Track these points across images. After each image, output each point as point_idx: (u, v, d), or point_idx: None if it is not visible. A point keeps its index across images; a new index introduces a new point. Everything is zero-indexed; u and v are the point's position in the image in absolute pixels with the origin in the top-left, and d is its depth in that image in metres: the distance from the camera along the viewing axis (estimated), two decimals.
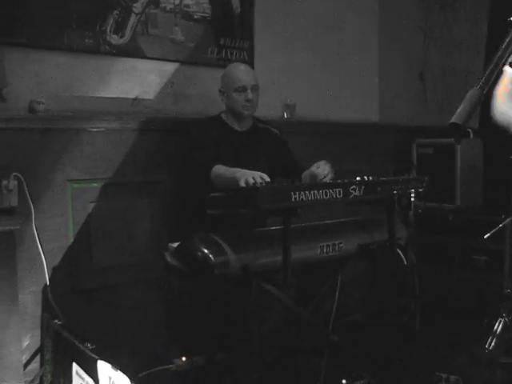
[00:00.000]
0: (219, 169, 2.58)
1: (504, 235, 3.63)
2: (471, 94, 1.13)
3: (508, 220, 3.58)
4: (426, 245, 4.15)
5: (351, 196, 2.26)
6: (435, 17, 4.89)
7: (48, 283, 2.64)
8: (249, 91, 2.83)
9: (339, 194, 2.21)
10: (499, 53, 1.15)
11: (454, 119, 1.09)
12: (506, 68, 1.87)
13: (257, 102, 2.89)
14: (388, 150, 4.39)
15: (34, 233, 2.59)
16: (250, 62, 3.56)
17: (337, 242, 2.45)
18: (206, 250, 2.15)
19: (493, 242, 3.57)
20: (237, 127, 2.93)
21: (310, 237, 2.41)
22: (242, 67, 2.93)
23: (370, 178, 2.36)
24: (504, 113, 1.88)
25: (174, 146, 3.06)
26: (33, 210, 2.59)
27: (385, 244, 2.60)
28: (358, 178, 2.33)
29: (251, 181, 2.22)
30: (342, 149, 4.01)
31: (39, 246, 2.61)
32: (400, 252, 2.68)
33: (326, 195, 2.16)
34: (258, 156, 2.87)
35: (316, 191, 2.12)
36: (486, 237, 3.54)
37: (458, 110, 1.11)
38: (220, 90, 2.92)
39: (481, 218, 3.90)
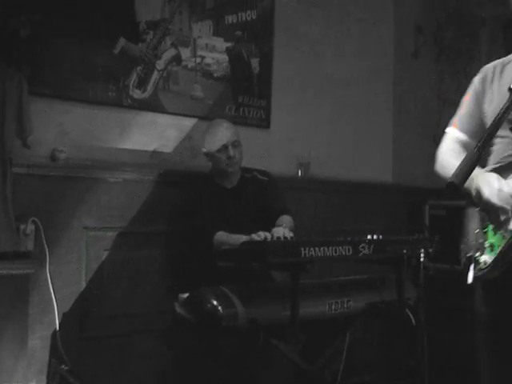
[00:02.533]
0: (221, 236, 2.63)
1: None
2: (469, 155, 1.18)
3: None
4: (437, 307, 4.10)
5: (361, 254, 2.29)
6: (449, 81, 5.00)
7: (58, 329, 2.66)
8: (230, 148, 2.86)
9: (349, 252, 2.24)
10: (496, 118, 1.20)
11: (451, 179, 1.14)
12: (448, 129, 2.05)
13: (240, 157, 2.93)
14: (401, 211, 4.41)
15: (47, 278, 2.64)
16: (267, 120, 3.67)
17: (345, 300, 2.46)
18: (214, 302, 2.18)
19: None
20: (226, 184, 2.97)
21: (319, 293, 2.43)
22: (224, 124, 2.97)
23: (380, 236, 2.39)
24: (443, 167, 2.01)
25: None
26: (48, 256, 2.65)
27: (394, 304, 2.60)
28: (368, 237, 2.36)
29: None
30: (356, 208, 4.04)
31: (52, 291, 2.65)
32: (409, 312, 2.67)
33: (336, 252, 2.19)
34: (249, 210, 2.89)
35: (326, 247, 2.16)
36: None
37: (456, 171, 1.16)
38: (203, 151, 2.96)
39: None
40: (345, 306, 2.46)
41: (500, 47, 5.03)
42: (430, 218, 4.40)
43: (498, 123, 1.19)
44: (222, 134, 2.90)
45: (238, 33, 3.54)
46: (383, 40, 4.49)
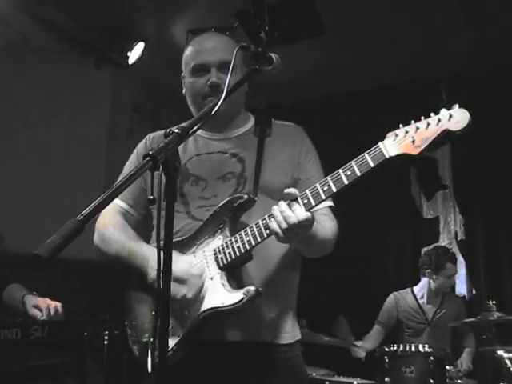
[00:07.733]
0: None
1: None
2: (69, 225, 1.06)
3: None
4: None
5: (32, 337, 2.05)
6: None
7: None
8: None
9: (16, 335, 1.99)
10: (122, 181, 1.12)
11: (38, 251, 1.00)
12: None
13: None
14: (107, 291, 4.23)
15: None
16: None
17: None
18: None
19: None
20: None
21: None
22: None
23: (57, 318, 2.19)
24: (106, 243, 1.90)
25: None
26: None
27: None
28: (42, 318, 2.14)
29: None
30: (62, 287, 3.74)
31: None
32: None
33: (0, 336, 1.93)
34: None
35: None
36: None
37: (47, 242, 1.03)
38: None
39: None
40: None
41: None
42: None
43: (118, 189, 1.12)
44: None
45: None
46: (98, 115, 4.41)
